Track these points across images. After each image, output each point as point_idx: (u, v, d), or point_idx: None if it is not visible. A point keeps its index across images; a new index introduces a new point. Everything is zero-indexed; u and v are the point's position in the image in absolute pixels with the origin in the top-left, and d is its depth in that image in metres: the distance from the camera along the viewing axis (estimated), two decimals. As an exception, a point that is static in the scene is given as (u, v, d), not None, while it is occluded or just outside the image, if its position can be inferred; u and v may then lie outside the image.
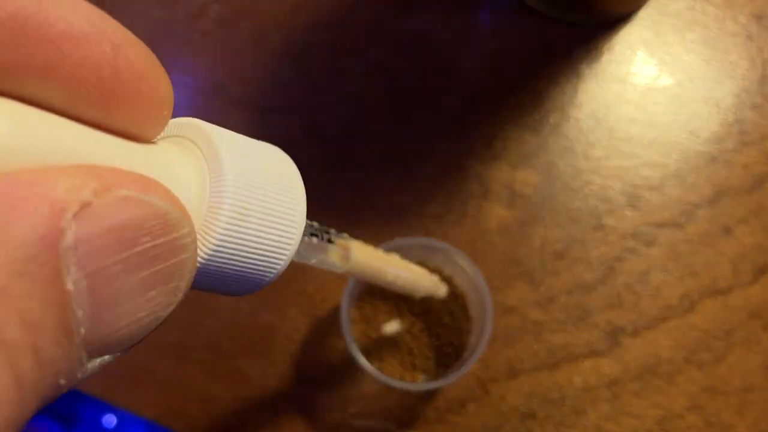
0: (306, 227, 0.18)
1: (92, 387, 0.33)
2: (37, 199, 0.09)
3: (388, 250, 0.29)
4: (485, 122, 0.34)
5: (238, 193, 0.14)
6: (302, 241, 0.17)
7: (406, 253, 0.31)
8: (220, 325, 0.33)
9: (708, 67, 0.34)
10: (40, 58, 0.10)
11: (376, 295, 0.31)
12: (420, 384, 0.29)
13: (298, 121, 0.35)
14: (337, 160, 0.34)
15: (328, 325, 0.33)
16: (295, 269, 0.33)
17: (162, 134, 0.15)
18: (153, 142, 0.13)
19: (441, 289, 0.28)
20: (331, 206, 0.34)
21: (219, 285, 0.15)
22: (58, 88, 0.10)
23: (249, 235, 0.14)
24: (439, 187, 0.34)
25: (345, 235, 0.21)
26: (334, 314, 0.33)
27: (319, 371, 0.32)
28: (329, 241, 0.19)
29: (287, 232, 0.16)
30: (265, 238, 0.15)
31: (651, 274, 0.32)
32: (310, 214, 0.32)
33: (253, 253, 0.15)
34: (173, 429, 0.33)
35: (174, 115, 0.38)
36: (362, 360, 0.28)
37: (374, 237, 0.33)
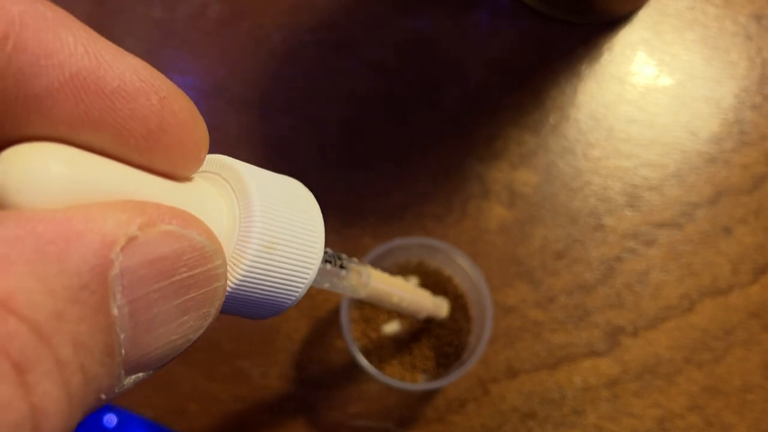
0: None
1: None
2: (90, 233, 0.10)
3: (388, 250, 0.29)
4: (485, 122, 0.34)
5: (265, 227, 0.15)
6: (321, 269, 0.19)
7: (405, 253, 0.31)
8: (220, 325, 0.33)
9: (708, 67, 0.34)
10: (96, 111, 0.11)
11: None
12: (420, 384, 0.29)
13: (298, 121, 0.35)
14: (337, 160, 0.34)
15: (328, 326, 0.33)
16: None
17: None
18: (189, 179, 0.15)
19: (443, 311, 0.29)
20: (331, 206, 0.34)
21: (243, 310, 0.16)
22: (110, 136, 0.12)
23: (273, 265, 0.15)
24: (438, 187, 0.34)
25: (355, 260, 0.22)
26: (335, 314, 0.33)
27: (320, 371, 0.32)
28: (341, 267, 0.20)
29: (308, 261, 0.17)
30: (287, 268, 0.16)
31: (651, 274, 0.32)
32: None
33: (276, 282, 0.16)
34: (174, 429, 0.33)
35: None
36: (362, 360, 0.28)
37: (374, 237, 0.33)
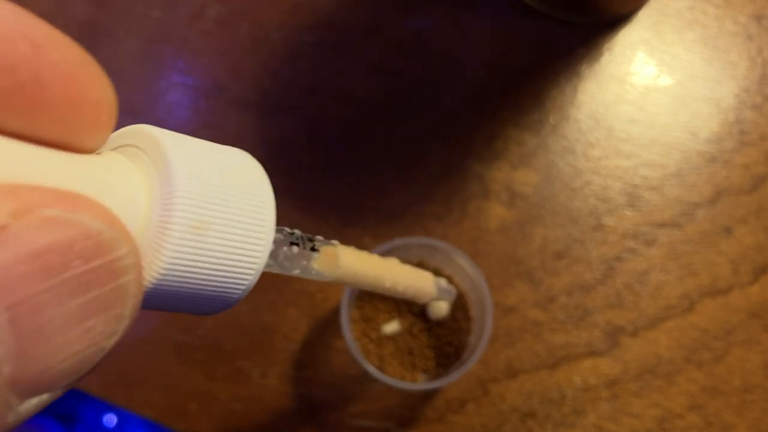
0: (285, 236, 0.17)
1: (93, 387, 0.33)
2: None
3: (388, 250, 0.29)
4: (485, 122, 0.34)
5: (192, 203, 0.12)
6: (282, 251, 0.16)
7: (405, 253, 0.31)
8: (220, 325, 0.33)
9: (708, 67, 0.34)
10: None
11: (376, 295, 0.31)
12: (420, 384, 0.29)
13: (298, 121, 0.35)
14: (337, 160, 0.34)
15: (328, 325, 0.33)
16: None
17: (111, 144, 0.14)
18: (97, 153, 0.12)
19: (447, 292, 0.27)
20: (331, 206, 0.34)
21: (179, 305, 0.14)
22: None
23: (207, 249, 0.13)
24: (438, 187, 0.34)
25: (335, 242, 0.19)
26: (335, 314, 0.33)
27: (319, 371, 0.32)
28: (313, 249, 0.18)
29: (253, 244, 0.14)
30: (227, 252, 0.13)
31: (651, 274, 0.32)
32: (310, 215, 0.32)
33: (214, 270, 0.13)
34: (174, 428, 0.33)
35: (175, 117, 0.38)
36: (362, 360, 0.28)
37: (374, 237, 0.33)
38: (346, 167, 0.34)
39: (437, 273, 0.31)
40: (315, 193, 0.34)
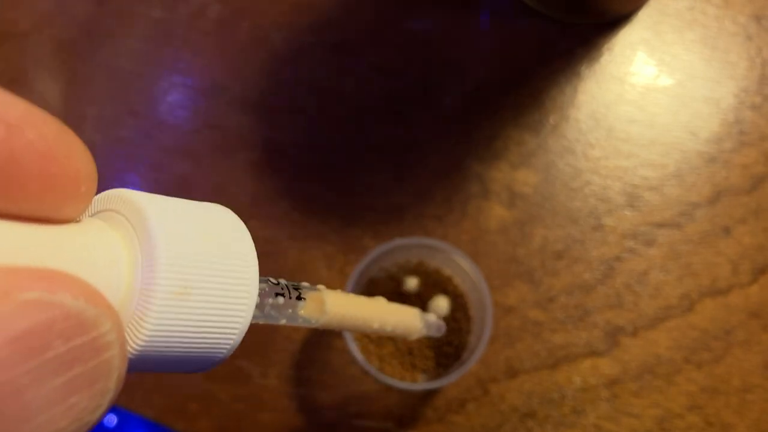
0: (270, 287, 0.17)
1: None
2: None
3: (389, 250, 0.29)
4: (485, 122, 0.34)
5: (173, 270, 0.12)
6: (267, 303, 0.16)
7: (406, 254, 0.31)
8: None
9: (708, 67, 0.34)
10: None
11: (376, 295, 0.31)
12: (420, 384, 0.29)
13: (299, 122, 0.35)
14: (337, 160, 0.34)
15: (328, 325, 0.33)
16: (297, 269, 0.33)
17: (92, 208, 0.14)
18: (77, 221, 0.12)
19: (435, 328, 0.26)
20: (331, 206, 0.34)
21: (165, 368, 0.14)
22: None
23: (191, 314, 0.13)
24: (439, 187, 0.34)
25: (321, 287, 0.19)
26: (334, 314, 0.33)
27: (319, 371, 0.32)
28: (299, 297, 0.18)
29: (237, 303, 0.14)
30: (211, 315, 0.13)
31: (650, 274, 0.32)
32: (311, 215, 0.32)
33: (199, 333, 0.13)
34: (174, 428, 0.33)
35: (175, 116, 0.38)
36: (363, 360, 0.28)
37: (374, 237, 0.33)
38: (346, 167, 0.34)
39: (437, 273, 0.31)
40: (315, 193, 0.34)
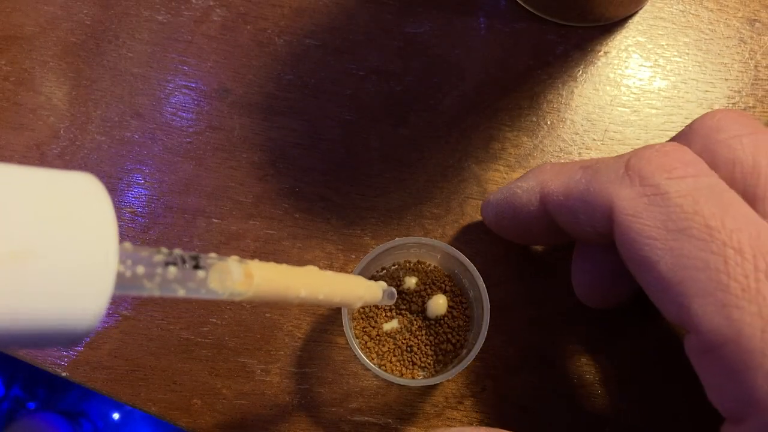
0: (161, 257, 0.17)
1: (98, 384, 0.34)
2: None
3: (388, 249, 0.29)
4: (483, 124, 0.35)
5: (2, 230, 0.12)
6: (157, 273, 0.16)
7: (405, 253, 0.31)
8: (224, 323, 0.34)
9: (701, 70, 0.35)
10: None
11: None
12: (419, 380, 0.30)
13: (301, 124, 0.35)
14: (338, 161, 0.35)
15: (329, 323, 0.33)
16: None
17: None
18: None
19: (382, 296, 0.27)
20: (332, 207, 0.34)
21: (8, 341, 0.13)
22: None
23: (28, 281, 0.12)
24: (437, 187, 0.34)
25: (233, 258, 0.19)
26: (336, 312, 0.33)
27: (321, 367, 0.33)
28: (196, 267, 0.18)
29: (91, 270, 0.13)
30: (60, 283, 0.13)
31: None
32: (313, 216, 0.33)
33: (44, 303, 0.12)
34: (177, 424, 0.33)
35: (179, 118, 0.39)
36: (362, 357, 0.29)
37: (374, 237, 0.34)
38: (347, 168, 0.35)
39: (436, 272, 0.32)
40: (317, 193, 0.35)
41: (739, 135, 0.23)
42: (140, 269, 0.16)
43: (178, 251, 0.17)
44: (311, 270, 0.22)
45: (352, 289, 0.24)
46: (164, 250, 0.17)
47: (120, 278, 0.15)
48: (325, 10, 0.37)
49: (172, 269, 0.17)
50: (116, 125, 0.36)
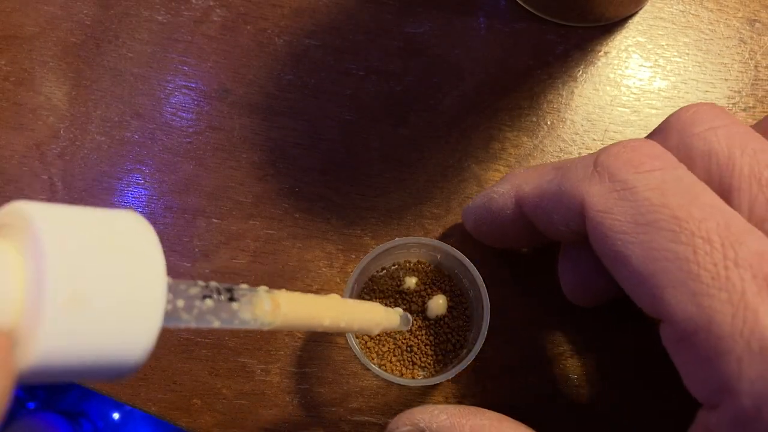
0: (198, 290, 0.17)
1: (97, 383, 0.34)
2: None
3: (388, 249, 0.29)
4: (483, 124, 0.35)
5: (62, 274, 0.12)
6: (195, 306, 0.17)
7: (405, 253, 0.31)
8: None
9: (701, 70, 0.35)
10: None
11: (376, 293, 0.32)
12: (419, 380, 0.30)
13: (301, 124, 0.35)
14: (338, 161, 0.35)
15: (329, 323, 0.33)
16: (298, 268, 0.34)
17: None
18: None
19: (399, 322, 0.28)
20: (332, 207, 0.34)
21: (71, 376, 0.13)
22: None
23: (89, 322, 0.13)
24: (437, 187, 0.34)
25: (263, 288, 0.20)
26: (335, 312, 0.33)
27: (321, 367, 0.33)
28: (231, 299, 0.18)
29: (142, 307, 0.14)
30: (113, 321, 0.13)
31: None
32: (313, 216, 0.33)
33: (101, 340, 0.13)
34: (177, 424, 0.33)
35: (179, 119, 0.39)
36: (363, 357, 0.29)
37: (374, 237, 0.34)
38: (347, 168, 0.35)
39: (436, 272, 0.32)
40: (317, 193, 0.35)
41: (714, 127, 0.23)
42: (180, 303, 0.16)
43: (213, 284, 0.18)
44: (334, 298, 0.23)
45: (372, 316, 0.25)
46: (201, 283, 0.17)
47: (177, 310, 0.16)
48: (325, 10, 0.37)
49: (208, 302, 0.17)
50: (116, 125, 0.36)
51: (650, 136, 0.25)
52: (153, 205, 0.35)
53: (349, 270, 0.34)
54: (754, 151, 0.22)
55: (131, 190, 0.35)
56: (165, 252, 0.31)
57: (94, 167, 0.36)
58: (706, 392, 0.20)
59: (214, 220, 0.35)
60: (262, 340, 0.33)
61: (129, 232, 0.14)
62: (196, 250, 0.34)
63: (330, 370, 0.33)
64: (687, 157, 0.23)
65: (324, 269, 0.34)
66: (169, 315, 0.16)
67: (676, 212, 0.21)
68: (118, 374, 0.14)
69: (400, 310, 0.28)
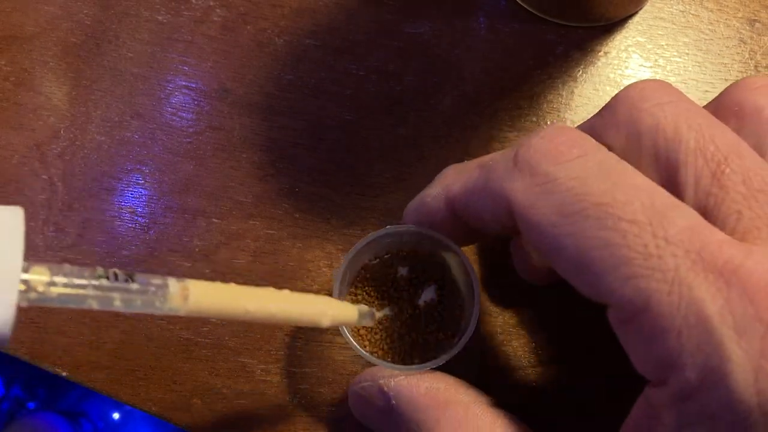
0: (90, 272, 0.19)
1: (98, 384, 0.34)
2: None
3: (379, 237, 0.29)
4: (483, 124, 0.35)
5: None
6: (93, 285, 0.19)
7: (398, 242, 0.31)
8: (224, 322, 0.34)
9: (701, 70, 0.35)
10: None
11: (369, 281, 0.32)
12: (411, 366, 0.30)
13: (301, 124, 0.35)
14: (338, 161, 0.35)
15: (329, 323, 0.33)
16: (298, 267, 0.34)
17: None
18: None
19: (358, 316, 0.28)
20: (332, 207, 0.34)
21: None
22: None
23: None
24: (437, 187, 0.34)
25: (173, 279, 0.21)
26: (335, 312, 0.33)
27: (321, 367, 0.33)
28: (128, 280, 0.20)
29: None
30: None
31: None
32: (313, 216, 0.33)
33: None
34: (177, 424, 0.33)
35: (179, 118, 0.39)
36: (355, 345, 0.28)
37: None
38: (347, 168, 0.35)
39: (429, 261, 0.32)
40: (317, 193, 0.35)
41: (661, 103, 0.23)
42: (73, 280, 0.19)
43: (116, 271, 0.20)
44: (267, 289, 0.24)
45: (314, 305, 0.25)
46: (100, 268, 0.20)
47: (52, 288, 0.18)
48: (325, 10, 0.37)
49: (105, 282, 0.19)
50: (116, 125, 0.36)
51: (600, 113, 0.25)
52: (153, 205, 0.35)
53: (349, 270, 0.34)
54: (701, 126, 0.22)
55: (131, 190, 0.35)
56: (165, 252, 0.31)
57: (94, 167, 0.36)
58: (652, 370, 0.21)
59: (214, 220, 0.35)
60: (262, 340, 0.33)
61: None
62: (196, 250, 0.34)
63: (330, 370, 0.33)
64: (635, 132, 0.23)
65: (324, 269, 0.34)
66: (65, 295, 0.18)
67: (599, 198, 0.21)
68: None
69: (363, 306, 0.28)
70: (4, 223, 0.17)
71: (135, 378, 0.34)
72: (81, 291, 0.19)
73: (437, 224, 0.29)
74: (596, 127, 0.24)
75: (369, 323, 0.29)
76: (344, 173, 0.35)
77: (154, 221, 0.35)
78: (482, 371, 0.33)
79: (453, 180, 0.27)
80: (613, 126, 0.24)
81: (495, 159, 0.25)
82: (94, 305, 0.19)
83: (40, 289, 0.18)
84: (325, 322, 0.26)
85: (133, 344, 0.34)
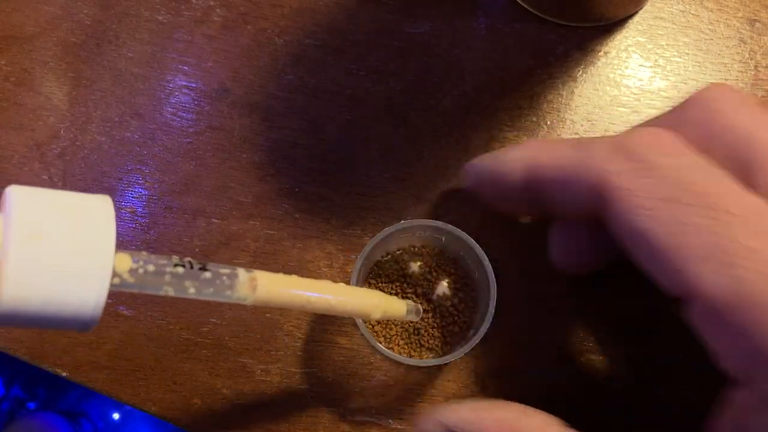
0: (167, 260, 0.20)
1: (98, 384, 0.34)
2: None
3: (392, 233, 0.30)
4: (483, 124, 0.35)
5: (23, 216, 0.16)
6: (170, 273, 0.20)
7: (410, 236, 0.31)
8: (224, 323, 0.34)
9: (701, 70, 0.35)
10: None
11: (381, 278, 0.32)
12: (427, 360, 0.30)
13: (301, 124, 0.35)
14: (338, 161, 0.35)
15: (329, 323, 0.33)
16: (298, 267, 0.34)
17: None
18: None
19: (406, 311, 0.29)
20: (332, 207, 0.34)
21: (36, 311, 0.16)
22: None
23: (47, 257, 0.16)
24: (437, 187, 0.34)
25: (241, 270, 0.22)
26: (335, 312, 0.33)
27: (321, 367, 0.33)
28: (202, 269, 0.21)
29: (95, 254, 0.17)
30: (68, 261, 0.16)
31: (645, 272, 0.33)
32: (313, 216, 0.33)
33: (58, 276, 0.16)
34: (177, 424, 0.33)
35: (179, 118, 0.39)
36: (372, 339, 0.29)
37: (374, 235, 0.34)
38: (347, 168, 0.35)
39: (441, 254, 0.32)
40: (317, 193, 0.35)
41: (735, 106, 0.24)
42: (150, 267, 0.19)
43: (190, 260, 0.20)
44: (324, 282, 0.25)
45: (369, 299, 0.26)
46: (176, 257, 0.20)
47: (133, 275, 0.19)
48: (325, 10, 0.37)
49: (180, 270, 0.20)
50: (116, 125, 0.36)
51: (672, 112, 0.26)
52: (153, 205, 0.35)
53: (349, 270, 0.34)
54: None
55: (131, 190, 0.35)
56: (165, 252, 0.31)
57: (94, 167, 0.36)
58: (740, 366, 0.20)
59: (214, 220, 0.35)
60: (262, 340, 0.33)
61: (91, 205, 0.18)
62: (196, 250, 0.34)
63: (330, 370, 0.33)
64: (707, 136, 0.23)
65: (324, 269, 0.34)
66: (141, 280, 0.19)
67: (700, 188, 0.21)
68: (75, 320, 0.17)
69: (410, 301, 0.29)
70: (96, 210, 0.18)
71: (135, 378, 0.34)
72: (159, 278, 0.19)
73: (507, 185, 0.28)
74: (668, 126, 0.25)
75: (414, 318, 0.30)
76: (344, 173, 0.35)
77: (154, 221, 0.35)
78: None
79: (540, 151, 0.27)
80: (685, 126, 0.24)
81: (592, 141, 0.25)
82: (170, 292, 0.20)
83: (124, 275, 0.18)
84: (377, 314, 0.26)
85: (133, 344, 0.34)
